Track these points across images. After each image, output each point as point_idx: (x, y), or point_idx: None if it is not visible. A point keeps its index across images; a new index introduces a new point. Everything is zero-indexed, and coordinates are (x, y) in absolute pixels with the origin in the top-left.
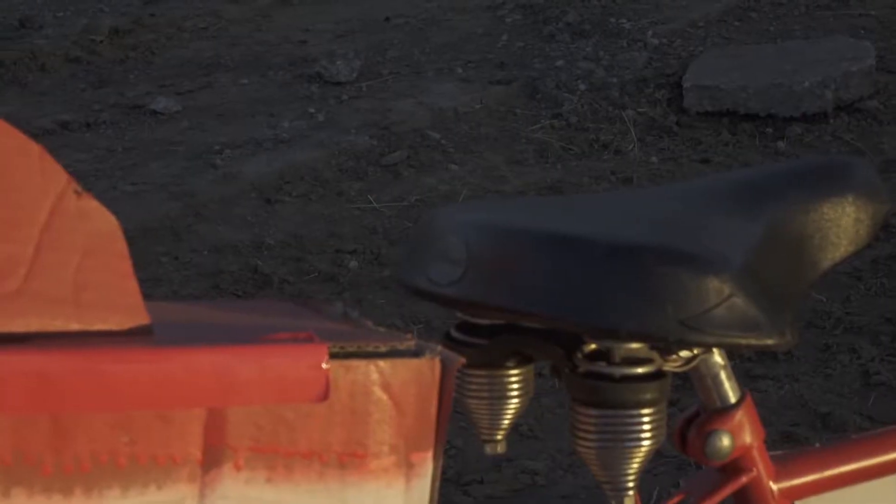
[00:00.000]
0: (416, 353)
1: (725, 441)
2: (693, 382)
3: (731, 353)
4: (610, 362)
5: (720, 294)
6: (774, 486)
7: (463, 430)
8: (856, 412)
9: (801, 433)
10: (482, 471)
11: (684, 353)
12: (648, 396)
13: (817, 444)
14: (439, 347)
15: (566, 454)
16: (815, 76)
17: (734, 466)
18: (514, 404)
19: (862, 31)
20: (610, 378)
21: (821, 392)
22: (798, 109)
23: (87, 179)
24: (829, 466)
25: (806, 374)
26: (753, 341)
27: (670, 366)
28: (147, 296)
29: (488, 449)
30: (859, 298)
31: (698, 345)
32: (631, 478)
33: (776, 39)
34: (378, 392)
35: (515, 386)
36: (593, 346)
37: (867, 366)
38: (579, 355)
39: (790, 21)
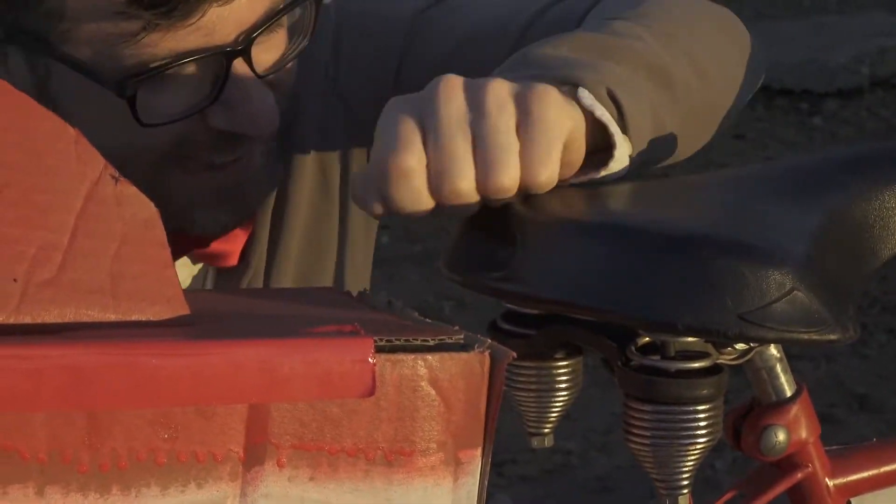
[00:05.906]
0: (464, 347)
1: (781, 436)
2: (747, 375)
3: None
4: (664, 356)
5: (781, 287)
6: (830, 483)
7: None
8: (894, 393)
9: (838, 414)
10: (516, 451)
11: (740, 346)
12: (705, 392)
13: (874, 440)
14: (489, 341)
15: (600, 434)
16: (850, 52)
17: (789, 462)
18: (562, 397)
19: None
20: (665, 373)
21: (858, 373)
22: (833, 85)
23: None
24: (886, 462)
25: (843, 354)
26: (816, 336)
27: (725, 359)
28: None
29: (535, 443)
30: None
31: (758, 340)
32: (686, 476)
33: (811, 14)
34: (426, 387)
35: (564, 378)
36: (647, 339)
37: None
38: (633, 348)
39: None
